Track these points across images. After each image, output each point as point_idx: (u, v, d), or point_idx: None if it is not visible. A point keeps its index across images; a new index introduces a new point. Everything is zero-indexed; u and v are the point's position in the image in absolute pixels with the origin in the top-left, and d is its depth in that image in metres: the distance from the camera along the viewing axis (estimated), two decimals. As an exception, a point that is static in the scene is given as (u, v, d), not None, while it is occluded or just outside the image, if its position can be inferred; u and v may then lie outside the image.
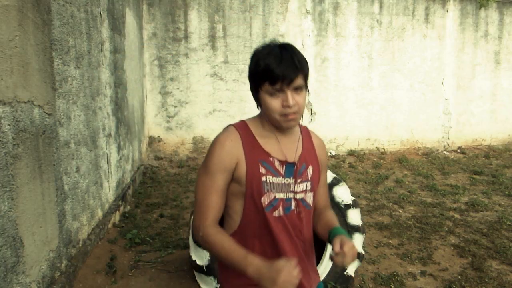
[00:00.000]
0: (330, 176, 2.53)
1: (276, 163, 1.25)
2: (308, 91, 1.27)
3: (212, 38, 6.57)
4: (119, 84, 4.25)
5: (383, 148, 7.38)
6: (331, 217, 1.38)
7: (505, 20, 7.59)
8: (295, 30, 6.82)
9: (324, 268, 2.59)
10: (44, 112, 2.26)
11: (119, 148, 4.21)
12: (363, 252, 2.63)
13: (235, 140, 1.25)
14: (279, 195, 1.24)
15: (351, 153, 7.13)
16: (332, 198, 2.49)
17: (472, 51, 7.53)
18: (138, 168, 5.48)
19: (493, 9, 7.42)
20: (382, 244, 3.52)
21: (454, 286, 2.81)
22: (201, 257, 2.47)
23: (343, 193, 2.53)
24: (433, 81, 7.42)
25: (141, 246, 3.41)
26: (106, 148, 3.66)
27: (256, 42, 6.67)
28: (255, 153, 1.25)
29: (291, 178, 1.26)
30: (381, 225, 3.94)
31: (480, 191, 5.19)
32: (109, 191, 3.74)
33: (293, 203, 1.26)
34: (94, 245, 3.20)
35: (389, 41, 7.16)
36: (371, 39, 7.10)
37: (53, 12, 2.43)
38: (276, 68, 1.15)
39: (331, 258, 1.17)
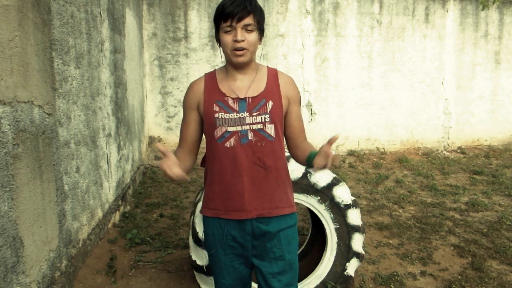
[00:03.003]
0: (330, 176, 2.53)
1: (230, 101, 1.48)
2: (262, 35, 1.48)
3: (212, 38, 6.56)
4: (119, 84, 4.25)
5: (383, 148, 7.38)
6: (308, 145, 1.57)
7: (505, 20, 7.58)
8: (295, 30, 6.82)
9: (324, 268, 2.59)
10: (44, 112, 2.26)
11: (119, 148, 4.21)
12: (363, 252, 2.63)
13: (199, 85, 1.55)
14: (231, 129, 1.47)
15: (351, 153, 7.13)
16: (332, 198, 2.49)
17: (472, 51, 7.53)
18: (138, 168, 5.48)
19: (493, 9, 7.42)
20: (382, 244, 3.52)
21: (454, 286, 2.81)
22: (201, 257, 2.47)
23: (343, 193, 2.52)
24: (433, 81, 7.42)
25: (141, 246, 3.41)
26: (106, 148, 3.66)
27: (256, 42, 6.66)
28: (212, 94, 1.51)
29: (245, 112, 1.47)
30: (381, 225, 3.94)
31: (480, 191, 5.19)
32: (109, 191, 3.74)
33: (250, 134, 1.47)
34: (94, 245, 3.20)
35: (389, 41, 7.15)
36: (371, 39, 7.09)
37: (53, 12, 2.43)
38: (229, 7, 1.38)
39: (314, 163, 1.35)
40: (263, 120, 1.47)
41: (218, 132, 1.48)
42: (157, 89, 6.57)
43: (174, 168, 1.32)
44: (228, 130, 1.47)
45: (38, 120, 2.18)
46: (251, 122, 1.47)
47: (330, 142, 1.32)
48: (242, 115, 1.47)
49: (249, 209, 1.50)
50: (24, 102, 2.01)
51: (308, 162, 1.46)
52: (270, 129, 1.48)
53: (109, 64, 3.81)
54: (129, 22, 4.97)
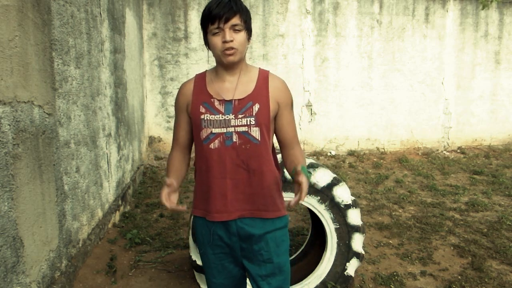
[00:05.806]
0: (330, 176, 2.53)
1: (216, 103, 1.49)
2: (250, 35, 1.49)
3: (212, 38, 6.55)
4: (119, 84, 4.25)
5: (383, 148, 7.38)
6: (297, 155, 1.58)
7: (505, 20, 7.59)
8: (295, 30, 6.82)
9: (324, 268, 2.59)
10: (44, 112, 2.26)
11: (119, 148, 4.21)
12: (363, 252, 2.63)
13: (188, 86, 1.57)
14: (216, 130, 1.48)
15: (351, 153, 7.13)
16: (332, 198, 2.49)
17: (472, 51, 7.53)
18: (138, 168, 5.48)
19: (493, 9, 7.42)
20: (382, 244, 3.52)
21: (454, 286, 2.81)
22: (201, 257, 2.47)
23: (343, 193, 2.52)
24: (433, 81, 7.42)
25: (141, 246, 3.41)
26: (106, 148, 3.66)
27: (256, 42, 6.67)
28: (200, 96, 1.52)
29: (231, 114, 1.47)
30: (381, 225, 3.94)
31: (480, 191, 5.19)
32: (109, 191, 3.74)
33: (235, 136, 1.47)
34: (94, 245, 3.20)
35: (389, 41, 7.15)
36: (371, 39, 7.09)
37: (53, 12, 2.43)
38: (215, 9, 1.39)
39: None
40: (248, 123, 1.47)
41: (204, 133, 1.49)
42: (157, 89, 6.57)
43: (172, 196, 1.46)
44: (213, 131, 1.48)
45: (38, 120, 2.18)
46: (236, 124, 1.47)
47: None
48: (227, 117, 1.47)
49: (230, 211, 1.51)
50: (24, 102, 2.01)
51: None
52: (255, 132, 1.48)
53: (109, 64, 3.81)
54: (129, 22, 4.97)
